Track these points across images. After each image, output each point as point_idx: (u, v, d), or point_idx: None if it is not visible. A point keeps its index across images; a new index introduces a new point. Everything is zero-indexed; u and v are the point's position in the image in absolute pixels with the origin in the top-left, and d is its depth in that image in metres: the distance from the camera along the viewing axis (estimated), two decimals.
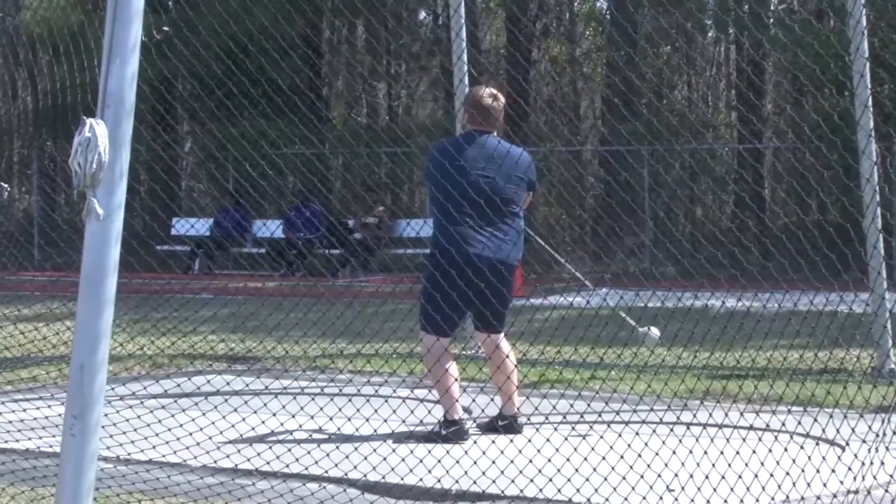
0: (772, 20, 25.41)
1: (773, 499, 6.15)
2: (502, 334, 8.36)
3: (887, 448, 6.12)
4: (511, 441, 7.43)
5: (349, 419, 7.78)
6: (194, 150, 28.52)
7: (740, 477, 6.21)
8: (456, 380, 8.08)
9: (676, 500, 6.16)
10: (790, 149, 23.56)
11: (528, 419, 8.40)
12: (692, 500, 6.15)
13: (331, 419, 7.84)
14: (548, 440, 7.06)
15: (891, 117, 15.13)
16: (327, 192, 25.13)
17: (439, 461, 6.94)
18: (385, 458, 7.06)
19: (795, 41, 19.33)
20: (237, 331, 12.17)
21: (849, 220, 10.20)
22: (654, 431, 7.12)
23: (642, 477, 6.31)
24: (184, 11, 21.41)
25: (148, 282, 16.63)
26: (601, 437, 6.87)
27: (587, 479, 6.32)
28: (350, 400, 8.73)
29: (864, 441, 6.35)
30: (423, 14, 31.79)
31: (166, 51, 15.98)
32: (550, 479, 6.43)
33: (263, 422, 7.98)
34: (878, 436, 6.05)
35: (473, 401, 8.84)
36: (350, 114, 29.95)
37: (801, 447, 6.40)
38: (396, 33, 29.34)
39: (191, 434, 7.44)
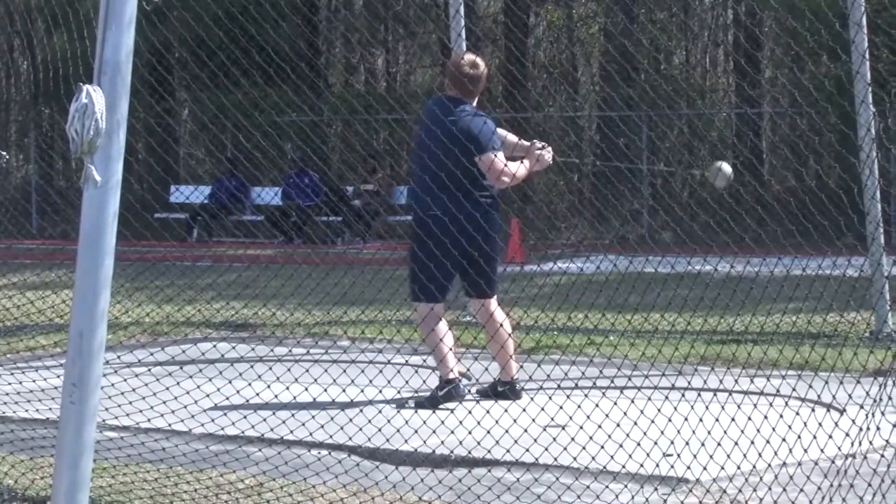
0: None
1: (769, 464, 6.17)
2: (493, 300, 8.39)
3: (883, 413, 6.13)
4: (510, 406, 7.46)
5: (353, 381, 7.80)
6: (190, 118, 28.47)
7: (736, 443, 6.23)
8: (450, 348, 8.13)
9: (673, 466, 6.18)
10: (787, 115, 23.52)
11: (523, 385, 8.43)
12: (689, 467, 6.17)
13: (333, 382, 7.85)
14: (546, 404, 7.08)
15: (886, 84, 15.11)
16: (325, 160, 25.09)
17: (442, 423, 6.97)
18: (387, 422, 7.09)
19: (791, 6, 19.26)
20: (237, 298, 12.18)
21: (844, 185, 10.21)
22: (649, 398, 7.14)
23: (639, 444, 6.33)
24: None
25: (146, 250, 16.64)
26: (597, 404, 6.89)
27: (584, 447, 6.35)
28: (350, 366, 8.75)
29: (861, 406, 6.37)
30: None
31: (160, 20, 15.93)
32: (547, 448, 6.45)
33: (268, 386, 7.99)
34: (875, 401, 6.07)
35: (470, 368, 8.86)
36: (348, 80, 29.87)
37: (797, 413, 6.41)
38: (392, 1, 29.23)
39: (195, 401, 7.45)
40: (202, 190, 24.81)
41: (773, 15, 23.15)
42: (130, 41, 4.63)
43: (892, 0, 17.06)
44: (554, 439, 6.55)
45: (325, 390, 7.82)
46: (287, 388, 7.76)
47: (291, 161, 23.83)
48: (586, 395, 7.22)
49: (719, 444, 6.22)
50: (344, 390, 7.76)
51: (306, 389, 7.88)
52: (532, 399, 7.93)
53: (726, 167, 9.72)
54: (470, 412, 7.20)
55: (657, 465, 6.21)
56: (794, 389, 7.35)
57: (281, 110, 23.11)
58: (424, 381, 8.31)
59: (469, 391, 8.32)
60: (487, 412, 7.09)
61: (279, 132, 23.56)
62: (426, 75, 30.65)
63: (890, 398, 6.29)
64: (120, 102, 4.63)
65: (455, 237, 7.99)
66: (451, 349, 8.17)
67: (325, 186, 23.41)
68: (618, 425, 6.52)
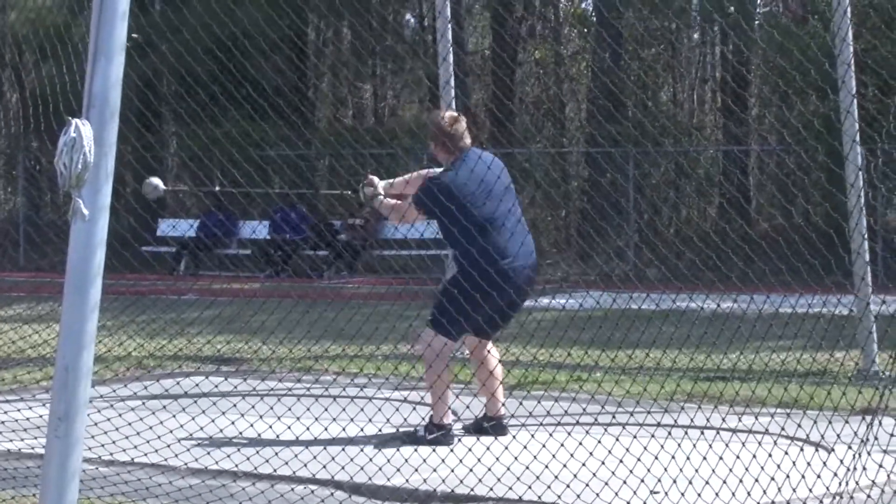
0: (757, 23, 25.47)
1: (758, 502, 6.15)
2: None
3: (870, 453, 6.12)
4: (496, 441, 7.43)
5: (334, 419, 7.76)
6: (179, 151, 28.47)
7: (724, 481, 6.21)
8: (448, 385, 8.08)
9: (660, 503, 6.16)
10: (775, 153, 23.60)
11: (508, 420, 8.39)
12: None
13: (315, 420, 7.81)
14: (531, 439, 7.05)
15: (875, 122, 15.17)
16: (313, 194, 25.10)
17: (425, 461, 6.93)
18: (371, 459, 7.05)
19: (779, 45, 19.38)
20: (223, 332, 12.16)
21: (833, 223, 10.21)
22: (634, 435, 7.11)
23: (625, 482, 6.30)
24: (167, 12, 21.37)
25: (133, 283, 16.60)
26: (580, 442, 6.87)
27: (571, 482, 6.32)
28: (335, 400, 8.72)
29: (849, 446, 6.35)
30: (408, 16, 31.78)
31: (148, 53, 15.95)
32: (530, 486, 6.42)
33: (251, 424, 7.95)
34: (862, 442, 6.05)
35: (456, 398, 8.83)
36: (336, 115, 29.92)
37: (785, 452, 6.40)
38: (381, 35, 29.32)
39: (177, 440, 7.41)
40: (189, 223, 24.79)
41: (761, 53, 23.26)
42: (119, 74, 4.63)
43: (880, 39, 17.18)
44: (537, 477, 6.52)
45: (308, 429, 7.78)
46: (270, 427, 7.73)
47: (279, 194, 23.83)
48: (569, 434, 7.19)
49: (707, 483, 6.20)
50: (326, 429, 7.72)
51: (289, 428, 7.83)
52: (514, 437, 7.90)
53: None
54: (455, 449, 7.17)
55: (644, 502, 6.18)
56: (782, 428, 7.33)
57: (269, 143, 23.12)
58: (405, 419, 8.26)
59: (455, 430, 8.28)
60: (469, 449, 7.06)
61: (267, 165, 23.56)
62: (414, 110, 30.72)
63: (877, 438, 6.28)
64: (108, 136, 4.61)
65: (532, 281, 8.20)
66: (448, 389, 8.06)
67: (313, 220, 23.41)
68: (602, 462, 6.49)
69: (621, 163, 22.91)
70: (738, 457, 6.42)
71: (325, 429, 7.67)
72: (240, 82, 15.94)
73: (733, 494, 6.10)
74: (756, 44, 22.47)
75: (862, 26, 19.27)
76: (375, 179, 8.54)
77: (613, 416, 8.01)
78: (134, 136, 22.12)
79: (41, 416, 7.81)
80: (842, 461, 6.11)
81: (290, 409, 7.99)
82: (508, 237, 8.00)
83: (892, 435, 6.49)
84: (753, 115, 25.04)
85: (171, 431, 7.40)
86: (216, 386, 9.34)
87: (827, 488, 6.17)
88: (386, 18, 29.76)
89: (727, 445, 6.80)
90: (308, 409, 8.02)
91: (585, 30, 29.97)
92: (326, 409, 7.98)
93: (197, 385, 9.47)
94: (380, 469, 6.87)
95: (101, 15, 4.60)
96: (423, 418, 8.18)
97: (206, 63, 16.71)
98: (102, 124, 4.59)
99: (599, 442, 6.78)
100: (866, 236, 9.97)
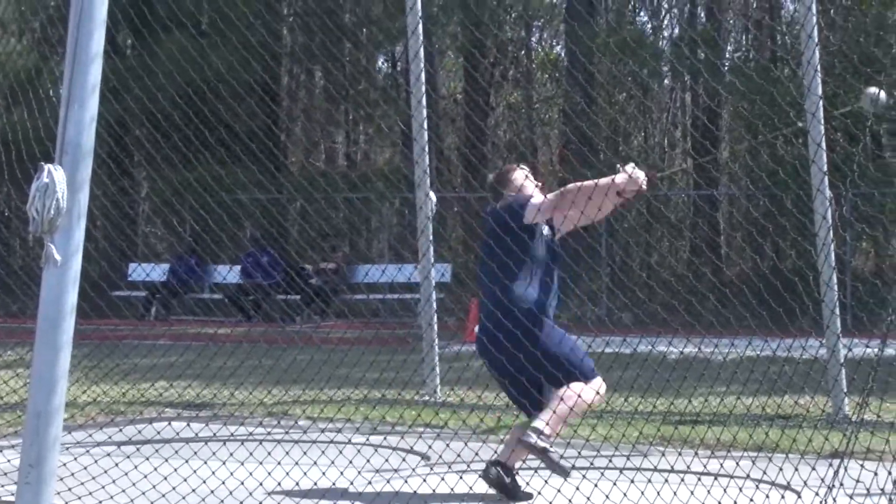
0: (727, 67, 25.68)
1: None
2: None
3: (834, 499, 6.16)
4: (458, 484, 7.44)
5: (314, 463, 7.75)
6: (150, 195, 28.47)
7: None
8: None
9: None
10: (744, 198, 23.75)
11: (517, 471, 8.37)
12: None
13: (296, 464, 7.80)
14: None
15: (845, 162, 15.33)
16: (284, 239, 25.12)
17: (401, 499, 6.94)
18: None
19: (751, 89, 19.54)
20: (194, 378, 12.14)
21: (803, 267, 10.30)
22: (602, 475, 7.14)
23: None
24: (141, 55, 21.42)
25: (102, 329, 16.55)
26: (558, 490, 6.89)
27: None
28: (311, 446, 8.71)
29: (816, 493, 6.40)
30: (381, 60, 31.92)
31: (120, 97, 15.98)
32: None
33: (232, 474, 7.94)
34: (829, 488, 6.10)
35: (430, 447, 8.85)
36: (308, 160, 29.98)
37: (754, 494, 6.43)
38: (355, 79, 29.43)
39: (153, 485, 7.40)
40: (160, 268, 24.75)
41: (731, 98, 23.44)
42: (92, 119, 4.67)
43: (846, 90, 17.34)
44: None
45: (288, 474, 7.78)
46: (250, 474, 7.72)
47: (251, 239, 23.85)
48: (546, 481, 7.21)
49: None
50: (305, 473, 7.72)
51: (270, 474, 7.83)
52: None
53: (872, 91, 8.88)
54: (434, 490, 7.17)
55: None
56: (750, 471, 7.38)
57: (241, 188, 23.16)
58: (387, 459, 8.26)
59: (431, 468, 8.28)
60: (452, 490, 7.06)
61: (239, 211, 23.59)
62: (386, 154, 30.81)
63: (842, 484, 6.32)
64: (81, 180, 4.65)
65: None
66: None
67: (285, 264, 23.44)
68: None
69: None
70: (708, 497, 6.45)
71: (305, 473, 7.67)
72: (212, 126, 16.01)
73: None
74: (726, 88, 22.64)
75: (828, 74, 19.47)
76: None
77: (591, 462, 8.04)
78: (107, 180, 22.14)
79: (9, 461, 7.79)
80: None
81: (269, 454, 7.99)
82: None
83: (857, 480, 6.54)
84: (724, 159, 25.20)
85: (145, 476, 7.39)
86: (196, 434, 9.33)
87: None
88: (359, 62, 29.88)
89: (697, 487, 6.83)
90: (287, 454, 8.00)
91: (557, 74, 30.17)
92: (306, 453, 7.99)
93: (177, 433, 9.46)
94: None
95: (75, 60, 4.65)
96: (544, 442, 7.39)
97: (179, 106, 16.75)
98: (75, 169, 4.63)
99: (578, 489, 6.80)
100: (835, 282, 10.05)
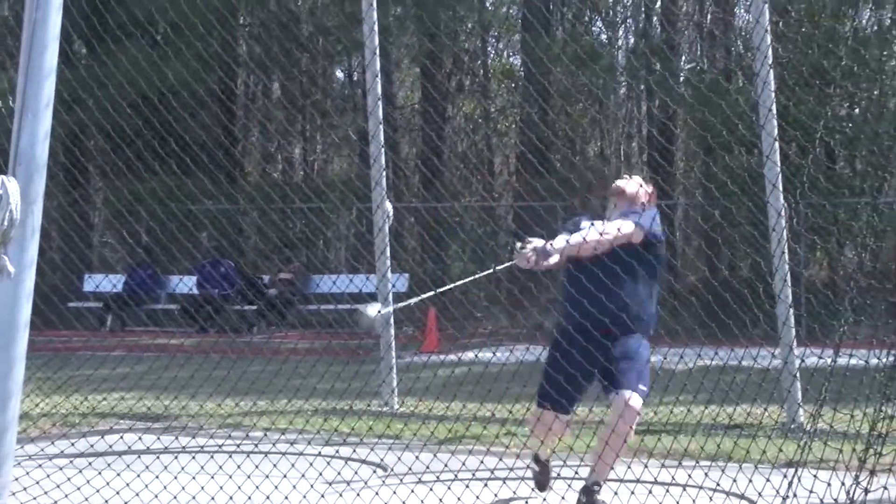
0: (681, 79, 25.82)
1: None
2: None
3: None
4: (428, 495, 7.45)
5: (266, 476, 7.74)
6: (105, 206, 28.33)
7: None
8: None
9: None
10: (700, 207, 23.88)
11: (438, 476, 8.40)
12: None
13: (248, 478, 7.79)
14: (463, 493, 7.07)
15: (796, 174, 15.43)
16: (240, 249, 25.04)
17: None
18: None
19: (704, 101, 19.66)
20: (148, 389, 12.09)
21: (758, 277, 10.35)
22: (569, 486, 7.16)
23: None
24: (93, 66, 21.31)
25: (57, 340, 16.47)
26: (514, 490, 6.91)
27: None
28: (266, 456, 8.70)
29: (771, 503, 6.44)
30: (338, 72, 31.90)
31: (75, 106, 15.91)
32: None
33: (183, 488, 7.91)
34: (784, 498, 6.14)
35: (383, 458, 8.85)
36: (265, 170, 29.92)
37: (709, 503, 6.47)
38: (311, 90, 29.39)
39: (105, 500, 7.37)
40: (116, 278, 24.62)
41: (686, 109, 23.57)
42: (46, 130, 4.65)
43: (797, 102, 17.46)
44: None
45: (240, 487, 7.76)
46: (202, 488, 7.70)
47: (206, 250, 23.77)
48: (502, 484, 7.23)
49: None
50: (258, 487, 7.70)
51: (222, 488, 7.81)
52: (449, 487, 7.92)
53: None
54: (387, 502, 7.18)
55: None
56: (703, 481, 7.42)
57: (196, 199, 23.09)
58: (339, 472, 8.25)
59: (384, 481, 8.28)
60: (404, 502, 7.06)
61: (194, 221, 23.50)
62: (343, 164, 30.78)
63: (796, 494, 6.37)
64: (34, 192, 4.64)
65: None
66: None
67: (241, 275, 23.37)
68: None
69: (549, 217, 23.08)
70: None
71: (258, 487, 7.65)
72: (167, 137, 15.95)
73: None
74: (680, 100, 22.78)
75: (781, 86, 19.61)
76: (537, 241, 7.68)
77: (558, 473, 8.06)
78: (60, 192, 22.02)
79: None
80: None
81: (220, 467, 7.96)
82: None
83: (811, 491, 6.59)
84: (679, 170, 25.36)
85: (97, 491, 7.35)
86: (148, 446, 9.29)
87: None
88: (315, 73, 29.86)
89: (649, 495, 6.86)
90: (239, 467, 7.98)
91: (513, 85, 30.24)
92: (258, 466, 7.98)
93: (129, 445, 9.42)
94: None
95: (29, 71, 4.64)
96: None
97: (134, 117, 16.69)
98: (29, 181, 4.61)
99: (533, 489, 6.82)
100: (789, 294, 10.12)
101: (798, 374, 10.01)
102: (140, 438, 9.70)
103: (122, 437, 9.86)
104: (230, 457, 8.71)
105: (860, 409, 7.35)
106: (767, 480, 6.78)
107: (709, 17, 27.81)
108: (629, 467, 8.13)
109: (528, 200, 23.68)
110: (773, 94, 10.47)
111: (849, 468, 6.58)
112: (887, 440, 6.66)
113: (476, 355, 14.56)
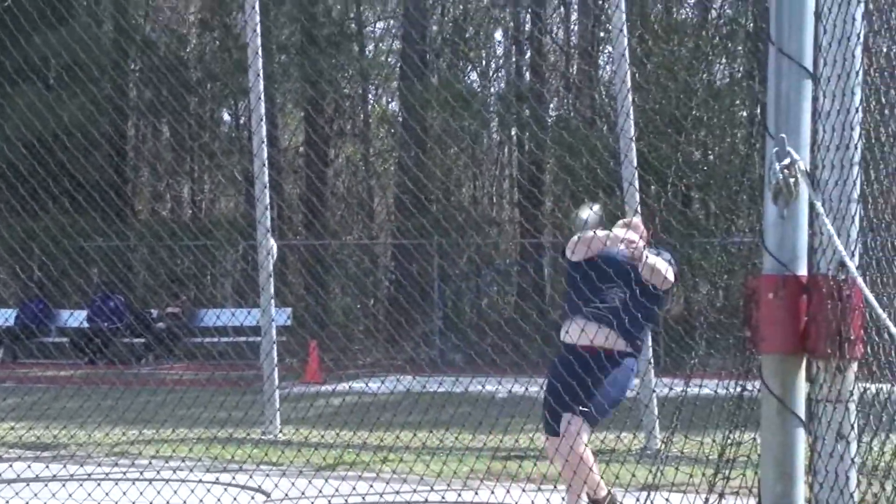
0: (550, 124, 26.11)
1: None
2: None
3: None
4: None
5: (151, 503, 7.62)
6: None
7: None
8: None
9: None
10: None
11: (313, 502, 8.35)
12: None
13: None
14: None
15: (650, 216, 15.69)
16: (130, 285, 24.72)
17: None
18: None
19: (569, 147, 19.90)
20: (37, 419, 11.87)
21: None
22: None
23: None
24: None
25: None
26: None
27: None
28: (146, 486, 8.57)
29: None
30: (225, 115, 31.74)
31: None
32: None
33: None
34: None
35: (276, 486, 8.77)
36: (154, 208, 29.61)
37: None
38: (199, 133, 29.19)
39: None
40: (7, 312, 24.17)
41: (553, 153, 23.83)
42: None
43: (659, 136, 17.72)
44: None
45: None
46: None
47: (97, 285, 23.44)
48: None
49: None
50: None
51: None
52: None
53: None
54: None
55: None
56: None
57: (88, 236, 22.77)
58: (218, 499, 8.15)
59: None
60: None
61: (86, 257, 23.17)
62: (230, 204, 30.58)
63: None
64: None
65: None
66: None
67: (129, 310, 23.08)
68: None
69: (427, 253, 23.14)
70: None
71: None
72: (58, 177, 15.74)
73: None
74: (548, 145, 23.02)
75: (646, 128, 19.92)
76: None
77: (426, 499, 8.06)
78: None
79: None
80: None
81: (107, 495, 7.83)
82: None
83: None
84: (547, 210, 25.58)
85: None
86: (37, 475, 9.11)
87: None
88: (203, 116, 29.67)
89: None
90: (124, 494, 7.86)
91: (391, 130, 30.32)
92: (142, 493, 7.86)
93: (19, 474, 9.22)
94: None
95: None
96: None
97: (28, 158, 16.45)
98: None
99: None
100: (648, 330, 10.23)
101: (654, 403, 10.13)
102: (29, 466, 9.51)
103: (11, 466, 9.66)
104: (116, 484, 8.58)
105: (709, 436, 7.45)
106: (621, 502, 6.83)
107: (574, 68, 28.18)
108: (492, 492, 8.14)
109: (403, 239, 23.73)
110: (632, 142, 10.64)
111: (699, 491, 6.66)
112: (735, 465, 6.75)
113: (349, 386, 14.51)
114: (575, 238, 7.50)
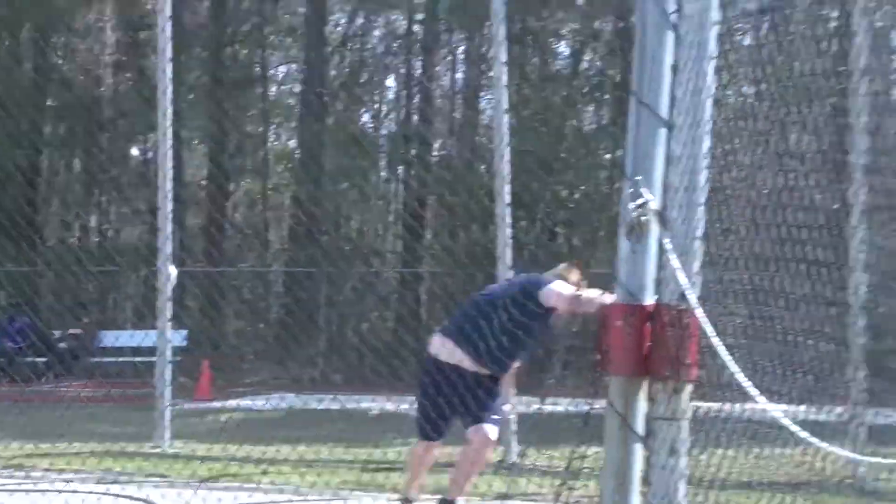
0: (433, 163, 26.25)
1: None
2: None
3: None
4: None
5: None
6: None
7: None
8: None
9: None
10: (443, 275, 24.13)
11: None
12: None
13: None
14: None
15: (521, 250, 15.85)
16: (36, 307, 24.27)
17: None
18: None
19: (450, 184, 19.99)
20: None
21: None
22: None
23: None
24: None
25: None
26: None
27: None
28: (44, 495, 8.39)
29: None
30: (134, 150, 31.40)
31: None
32: None
33: None
34: None
35: (163, 497, 8.63)
36: (62, 238, 29.14)
37: None
38: (108, 167, 28.84)
39: None
40: None
41: (436, 190, 23.94)
42: None
43: (531, 176, 17.87)
44: None
45: None
46: None
47: (3, 308, 23.00)
48: None
49: None
50: None
51: None
52: None
53: None
54: None
55: None
56: None
57: None
58: None
59: None
60: None
61: None
62: (135, 233, 30.22)
63: None
64: None
65: None
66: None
67: (33, 330, 22.66)
68: None
69: (315, 280, 23.06)
70: None
71: None
72: None
73: None
74: (431, 182, 23.11)
75: (520, 169, 20.07)
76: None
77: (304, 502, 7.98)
78: None
79: None
80: None
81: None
82: None
83: None
84: (427, 242, 25.63)
85: None
86: None
87: None
88: (113, 151, 29.35)
89: None
90: None
91: (289, 165, 30.23)
92: None
93: None
94: None
95: None
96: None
97: None
98: None
99: None
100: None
101: (514, 419, 10.15)
102: None
103: None
104: (11, 495, 8.40)
105: (559, 449, 7.50)
106: None
107: (458, 114, 28.39)
108: (359, 501, 8.08)
109: (295, 267, 23.63)
110: (505, 182, 10.74)
111: (546, 500, 6.69)
112: (580, 476, 6.79)
113: (238, 403, 14.37)
114: (566, 291, 7.42)
